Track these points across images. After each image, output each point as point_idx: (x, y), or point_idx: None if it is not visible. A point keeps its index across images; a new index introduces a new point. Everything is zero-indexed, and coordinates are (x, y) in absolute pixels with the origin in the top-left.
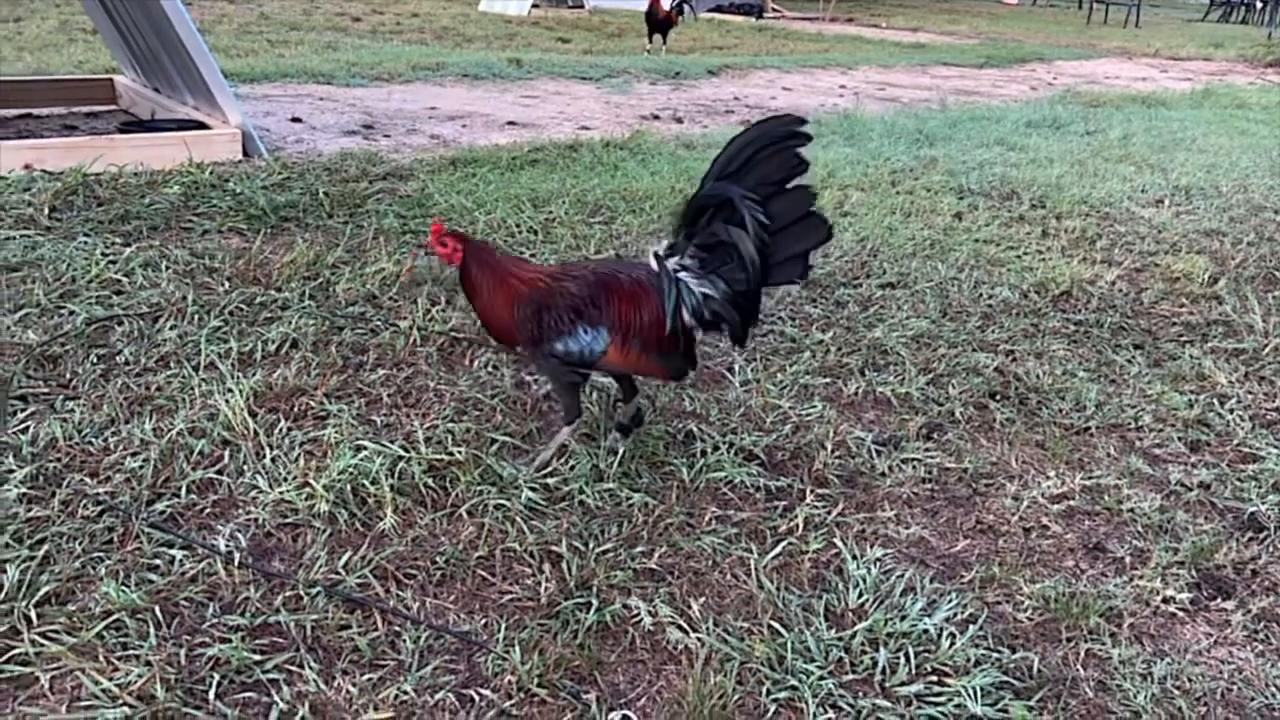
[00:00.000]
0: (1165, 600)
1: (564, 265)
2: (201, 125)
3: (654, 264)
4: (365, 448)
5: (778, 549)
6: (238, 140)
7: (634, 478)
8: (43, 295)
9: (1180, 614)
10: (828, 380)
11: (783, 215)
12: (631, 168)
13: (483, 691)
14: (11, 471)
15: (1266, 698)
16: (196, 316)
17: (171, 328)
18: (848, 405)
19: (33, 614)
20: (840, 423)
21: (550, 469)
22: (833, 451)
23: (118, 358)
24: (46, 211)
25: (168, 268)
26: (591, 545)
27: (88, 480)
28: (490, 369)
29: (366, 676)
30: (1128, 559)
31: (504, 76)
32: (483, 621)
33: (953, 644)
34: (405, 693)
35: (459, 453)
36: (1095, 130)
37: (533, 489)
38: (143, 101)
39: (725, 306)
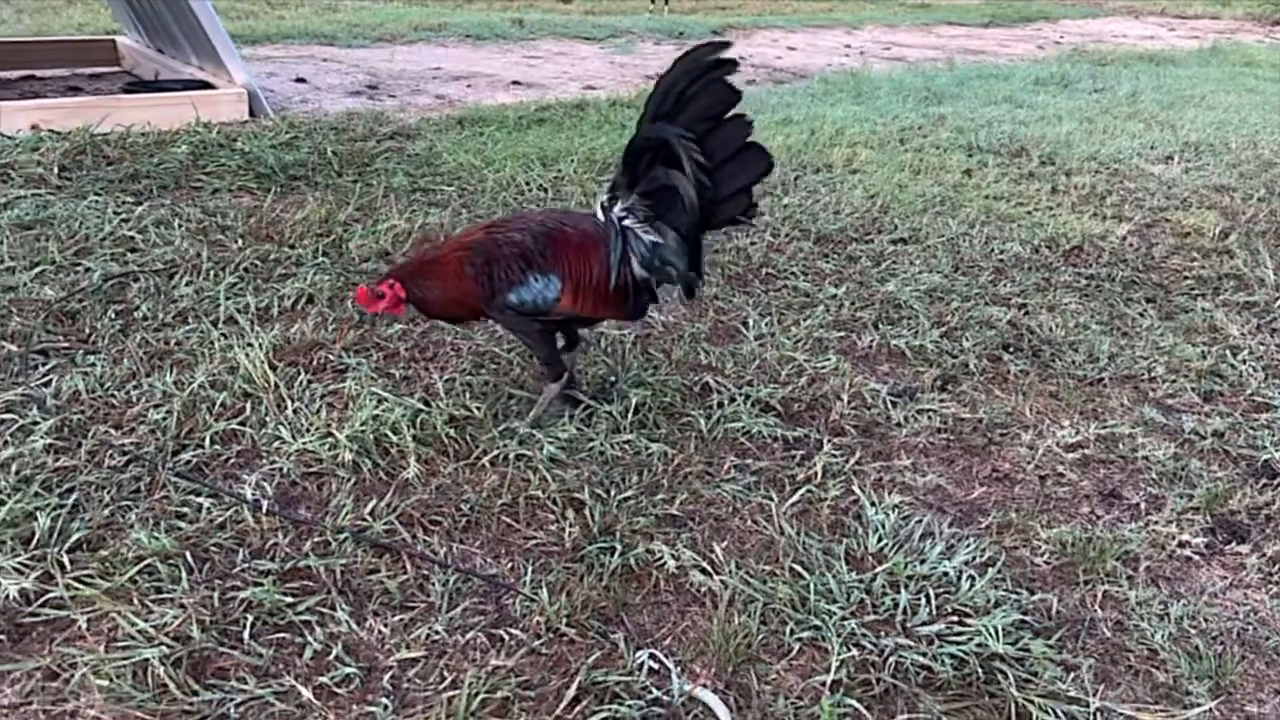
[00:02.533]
0: (1181, 544)
1: (502, 219)
2: (207, 85)
3: (600, 215)
4: (386, 399)
5: (796, 496)
6: (244, 100)
7: (652, 428)
8: (57, 253)
9: (1195, 558)
10: (841, 334)
11: (721, 150)
12: None
13: (512, 631)
14: (37, 423)
15: None
16: (212, 273)
17: (188, 284)
18: (862, 358)
19: (65, 560)
20: (855, 375)
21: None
22: (848, 403)
23: (135, 313)
24: (56, 171)
25: (180, 225)
26: (613, 493)
27: (112, 432)
28: None
29: (398, 617)
30: (1143, 505)
31: (506, 37)
32: (509, 565)
33: (972, 586)
34: (436, 633)
35: (476, 408)
36: (1103, 88)
37: (552, 442)
38: (146, 62)
39: (675, 254)
